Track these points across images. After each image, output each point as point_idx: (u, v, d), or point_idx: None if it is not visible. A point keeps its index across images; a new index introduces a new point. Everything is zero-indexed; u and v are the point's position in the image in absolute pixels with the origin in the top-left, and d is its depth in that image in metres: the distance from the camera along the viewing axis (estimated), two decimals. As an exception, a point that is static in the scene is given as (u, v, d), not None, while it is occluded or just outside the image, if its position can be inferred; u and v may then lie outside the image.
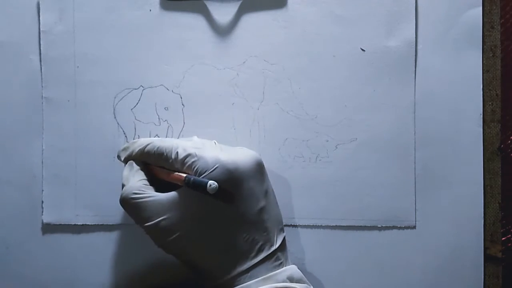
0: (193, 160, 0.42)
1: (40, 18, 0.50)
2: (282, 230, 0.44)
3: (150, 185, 0.44)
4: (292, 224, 0.50)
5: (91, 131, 0.50)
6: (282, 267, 0.42)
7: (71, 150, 0.50)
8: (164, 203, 0.42)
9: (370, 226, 0.50)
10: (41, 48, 0.50)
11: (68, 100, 0.50)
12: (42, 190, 0.51)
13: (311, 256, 0.50)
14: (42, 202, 0.51)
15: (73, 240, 0.51)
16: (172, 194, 0.42)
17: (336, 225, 0.50)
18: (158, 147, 0.44)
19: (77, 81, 0.50)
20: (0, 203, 0.51)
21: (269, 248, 0.42)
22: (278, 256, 0.42)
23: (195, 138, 0.46)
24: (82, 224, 0.51)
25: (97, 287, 0.51)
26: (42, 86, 0.50)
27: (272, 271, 0.41)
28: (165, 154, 0.43)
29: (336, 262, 0.50)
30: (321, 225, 0.50)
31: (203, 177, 0.41)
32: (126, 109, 0.50)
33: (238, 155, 0.42)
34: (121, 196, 0.43)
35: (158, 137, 0.50)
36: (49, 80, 0.50)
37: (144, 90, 0.50)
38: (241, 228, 0.42)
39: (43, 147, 0.51)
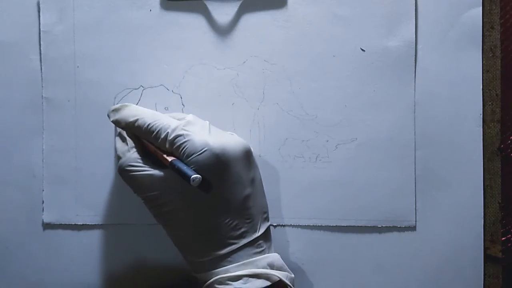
0: (181, 141, 0.42)
1: (40, 18, 0.50)
2: (267, 219, 0.45)
3: (142, 155, 0.44)
4: (292, 224, 0.50)
5: (91, 131, 0.50)
6: (264, 255, 0.43)
7: (71, 150, 0.50)
8: (156, 179, 0.42)
9: (370, 226, 0.50)
10: (41, 48, 0.50)
11: (68, 100, 0.50)
12: (42, 190, 0.51)
13: (311, 256, 0.50)
14: (42, 202, 0.51)
15: (73, 240, 0.51)
16: (164, 171, 0.43)
17: (336, 225, 0.50)
18: (148, 124, 0.44)
19: (77, 81, 0.50)
20: (0, 203, 0.51)
21: (252, 235, 0.43)
22: (260, 244, 0.43)
23: (190, 116, 0.45)
24: (82, 224, 0.51)
25: (96, 287, 0.51)
26: (42, 86, 0.50)
27: (252, 257, 0.42)
28: (154, 132, 0.43)
29: (336, 262, 0.50)
30: (321, 225, 0.50)
31: (190, 159, 0.41)
32: (126, 109, 0.50)
33: (226, 140, 0.43)
34: (118, 167, 0.44)
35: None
36: (49, 80, 0.50)
37: (144, 90, 0.50)
38: (225, 212, 0.42)
39: (43, 147, 0.51)
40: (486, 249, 0.49)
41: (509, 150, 0.50)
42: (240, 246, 0.42)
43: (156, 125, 0.43)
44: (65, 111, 0.50)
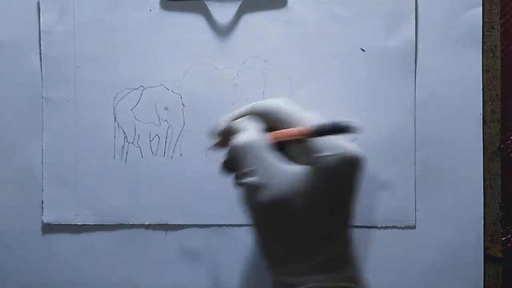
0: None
1: (40, 18, 0.50)
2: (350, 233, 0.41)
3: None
4: (292, 224, 0.50)
5: (91, 131, 0.50)
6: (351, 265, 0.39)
7: (71, 150, 0.50)
8: (277, 169, 0.38)
9: (370, 226, 0.50)
10: (41, 48, 0.50)
11: (68, 100, 0.50)
12: (42, 190, 0.51)
13: (311, 256, 0.50)
14: (42, 202, 0.51)
15: (73, 240, 0.51)
16: (291, 166, 0.38)
17: (336, 225, 0.50)
18: (279, 107, 0.40)
19: (77, 81, 0.50)
20: (0, 203, 0.51)
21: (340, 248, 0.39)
22: (347, 258, 0.39)
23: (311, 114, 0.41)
24: (82, 224, 0.51)
25: (97, 287, 0.51)
26: (42, 86, 0.50)
27: (344, 266, 0.38)
28: (284, 116, 0.39)
29: (336, 262, 0.50)
30: (321, 225, 0.50)
31: (323, 156, 0.37)
32: (126, 109, 0.50)
33: (356, 148, 0.39)
34: (240, 140, 0.39)
35: (158, 137, 0.50)
36: (49, 80, 0.50)
37: (144, 90, 0.50)
38: (337, 216, 0.38)
39: (43, 147, 0.51)
40: (486, 249, 0.49)
41: (509, 150, 0.50)
42: (327, 259, 0.38)
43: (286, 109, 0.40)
44: (65, 111, 0.50)
